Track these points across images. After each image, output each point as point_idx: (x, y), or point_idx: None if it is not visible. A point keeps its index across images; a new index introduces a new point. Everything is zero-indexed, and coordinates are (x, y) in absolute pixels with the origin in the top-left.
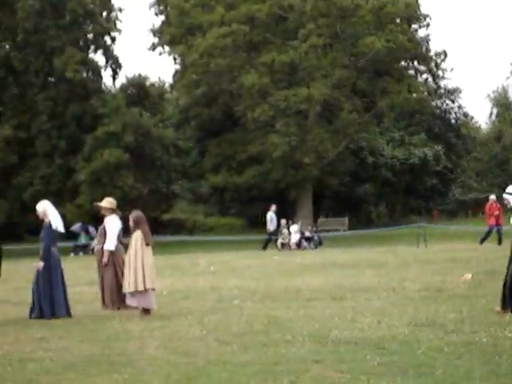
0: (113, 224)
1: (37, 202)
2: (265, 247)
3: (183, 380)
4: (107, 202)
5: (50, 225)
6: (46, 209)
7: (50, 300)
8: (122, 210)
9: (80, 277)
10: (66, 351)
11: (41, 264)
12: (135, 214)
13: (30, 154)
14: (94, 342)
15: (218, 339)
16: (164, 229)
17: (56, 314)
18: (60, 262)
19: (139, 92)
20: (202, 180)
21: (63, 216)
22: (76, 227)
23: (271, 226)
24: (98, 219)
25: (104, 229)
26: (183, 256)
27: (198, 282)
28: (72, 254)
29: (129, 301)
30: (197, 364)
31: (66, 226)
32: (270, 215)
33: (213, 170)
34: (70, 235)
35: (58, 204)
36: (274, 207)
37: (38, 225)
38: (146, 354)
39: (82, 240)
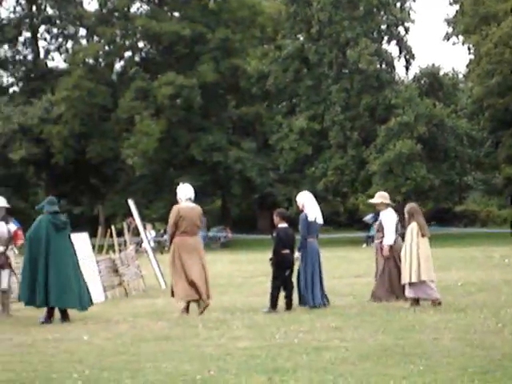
0: (389, 218)
1: (330, 193)
2: None
3: (479, 373)
4: (379, 197)
5: (306, 217)
6: (304, 201)
7: (311, 289)
8: (414, 200)
9: (371, 268)
10: (360, 341)
11: (297, 254)
12: (409, 206)
13: (324, 145)
14: (389, 332)
15: None
16: (456, 220)
17: (315, 304)
18: (318, 253)
19: (432, 82)
20: (496, 171)
21: (356, 206)
22: (368, 218)
23: None
24: None
25: (381, 223)
26: (476, 248)
27: (492, 274)
28: (364, 245)
29: (407, 292)
30: (493, 357)
31: (359, 216)
32: None
33: (507, 161)
34: (362, 226)
35: (350, 194)
36: None
37: (296, 214)
38: (441, 346)
39: (374, 231)
